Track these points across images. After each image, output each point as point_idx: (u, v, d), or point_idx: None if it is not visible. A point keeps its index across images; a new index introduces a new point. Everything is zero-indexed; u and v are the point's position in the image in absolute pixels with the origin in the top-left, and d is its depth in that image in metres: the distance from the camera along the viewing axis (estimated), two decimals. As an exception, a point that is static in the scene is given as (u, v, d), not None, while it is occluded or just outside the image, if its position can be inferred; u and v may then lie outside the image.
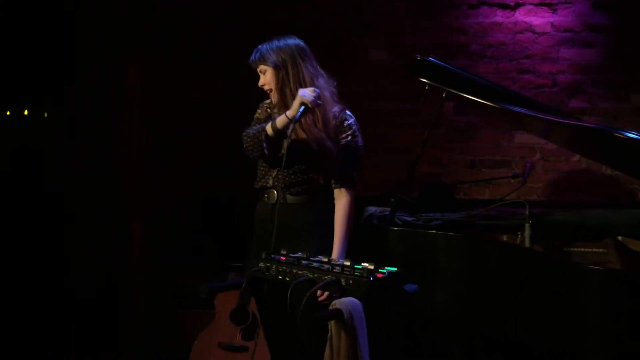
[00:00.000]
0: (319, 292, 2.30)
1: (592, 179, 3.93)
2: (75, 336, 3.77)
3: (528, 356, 2.81)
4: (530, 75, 3.97)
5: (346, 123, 2.60)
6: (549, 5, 3.94)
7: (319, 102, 2.48)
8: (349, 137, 2.59)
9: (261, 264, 1.99)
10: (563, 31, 3.93)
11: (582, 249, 2.86)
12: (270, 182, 2.62)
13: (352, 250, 2.56)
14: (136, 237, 3.82)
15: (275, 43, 2.59)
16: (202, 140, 4.09)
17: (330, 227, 2.58)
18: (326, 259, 1.92)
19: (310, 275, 1.88)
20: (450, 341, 3.06)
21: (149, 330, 3.82)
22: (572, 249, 2.85)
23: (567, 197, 3.93)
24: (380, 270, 1.83)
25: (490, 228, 2.97)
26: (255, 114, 2.76)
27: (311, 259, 1.96)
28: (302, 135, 2.54)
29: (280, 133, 2.52)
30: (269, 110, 2.72)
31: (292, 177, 2.60)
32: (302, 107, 2.45)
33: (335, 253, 2.53)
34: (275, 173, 2.62)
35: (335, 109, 2.60)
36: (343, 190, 2.59)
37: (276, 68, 2.55)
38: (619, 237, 2.83)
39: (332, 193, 2.62)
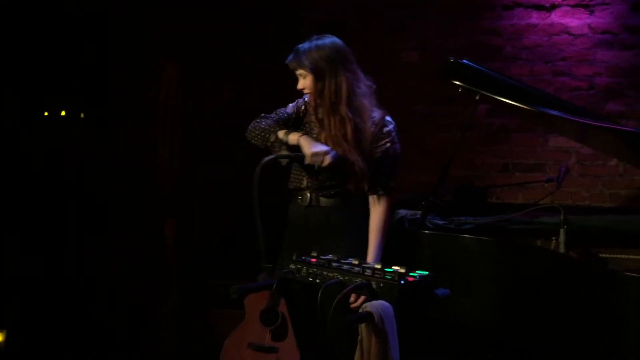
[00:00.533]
0: (352, 298, 2.29)
1: (629, 183, 3.85)
2: (108, 334, 3.83)
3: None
4: (566, 78, 3.91)
5: (385, 130, 2.53)
6: (586, 6, 3.88)
7: (322, 165, 2.43)
8: (388, 144, 2.53)
9: (292, 266, 1.99)
10: (601, 33, 3.86)
11: (619, 256, 2.79)
12: (304, 183, 2.61)
13: (383, 253, 2.53)
14: (169, 237, 3.87)
15: (315, 44, 2.49)
16: (236, 141, 4.12)
17: (362, 230, 2.55)
18: (357, 262, 1.92)
19: (341, 278, 1.88)
20: (482, 347, 3.03)
21: (180, 329, 3.86)
22: (608, 256, 2.79)
23: (603, 202, 3.86)
24: (411, 273, 1.82)
25: (524, 233, 2.93)
26: (286, 106, 2.68)
27: (342, 261, 1.95)
28: (330, 146, 2.48)
29: (286, 144, 2.50)
30: (303, 107, 2.66)
31: (326, 180, 2.57)
32: (301, 155, 2.43)
33: (370, 261, 2.47)
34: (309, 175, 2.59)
35: (375, 114, 2.54)
36: (380, 197, 2.54)
37: (315, 75, 2.49)
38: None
39: (366, 197, 2.57)
